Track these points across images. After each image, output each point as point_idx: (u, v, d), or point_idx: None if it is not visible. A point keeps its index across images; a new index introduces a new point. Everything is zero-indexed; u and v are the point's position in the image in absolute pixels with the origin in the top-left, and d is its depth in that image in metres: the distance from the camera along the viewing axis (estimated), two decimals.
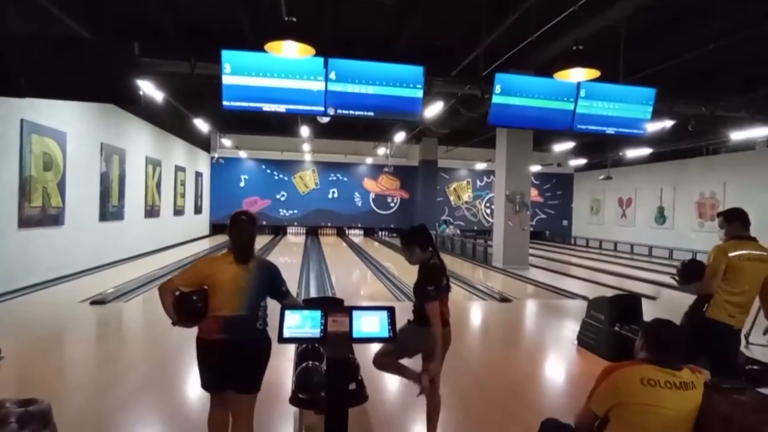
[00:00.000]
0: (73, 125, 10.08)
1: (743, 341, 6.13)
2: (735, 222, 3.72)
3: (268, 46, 5.11)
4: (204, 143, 22.05)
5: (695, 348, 3.52)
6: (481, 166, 25.10)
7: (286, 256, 16.04)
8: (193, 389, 4.46)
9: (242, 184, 24.05)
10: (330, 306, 3.21)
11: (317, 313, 2.81)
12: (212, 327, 2.72)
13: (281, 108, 6.98)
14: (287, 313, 2.79)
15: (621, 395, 2.03)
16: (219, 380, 2.78)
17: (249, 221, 2.89)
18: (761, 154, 15.88)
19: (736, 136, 13.42)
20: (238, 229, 2.84)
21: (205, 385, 2.86)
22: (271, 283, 2.90)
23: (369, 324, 2.82)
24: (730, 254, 3.59)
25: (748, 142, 15.57)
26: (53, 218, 9.41)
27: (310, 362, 3.32)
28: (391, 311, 2.87)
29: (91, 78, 5.59)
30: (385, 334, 2.80)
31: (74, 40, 5.57)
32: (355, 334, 2.77)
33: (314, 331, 2.75)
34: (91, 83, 5.62)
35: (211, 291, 2.75)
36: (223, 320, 2.71)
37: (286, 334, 2.74)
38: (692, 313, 3.76)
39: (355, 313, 2.82)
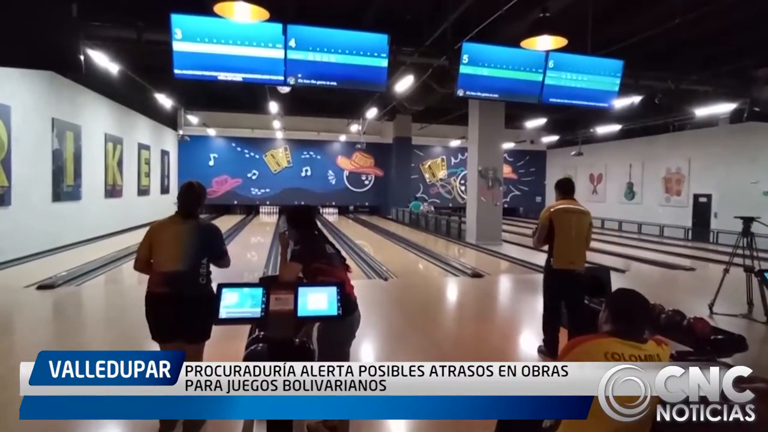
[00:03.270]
0: (18, 98, 9.45)
1: (708, 311, 6.24)
2: (557, 190, 4.78)
3: (217, 8, 4.75)
4: (170, 120, 21.26)
5: (553, 295, 4.70)
6: (455, 143, 24.95)
7: (258, 236, 15.72)
8: None
9: (211, 163, 23.44)
10: (278, 283, 2.97)
11: (258, 291, 2.56)
12: (158, 281, 2.97)
13: (238, 77, 6.58)
14: (224, 291, 2.54)
15: None
16: (166, 331, 2.98)
17: (198, 186, 3.17)
18: (723, 131, 16.20)
19: (701, 112, 13.60)
20: (187, 190, 3.13)
21: (154, 335, 3.03)
22: (210, 242, 3.10)
23: (316, 301, 2.59)
24: (552, 209, 4.61)
25: (711, 119, 15.87)
26: None
27: (259, 345, 3.09)
28: (340, 286, 2.65)
29: (22, 41, 5.08)
30: (334, 311, 2.57)
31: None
32: (301, 313, 2.54)
33: (254, 311, 2.52)
34: (23, 47, 5.11)
35: (156, 248, 3.01)
36: (166, 275, 2.95)
37: (223, 314, 2.50)
38: (545, 269, 4.76)
39: (300, 290, 2.59)
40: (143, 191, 17.62)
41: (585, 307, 5.26)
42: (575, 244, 4.56)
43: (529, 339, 5.40)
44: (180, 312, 2.92)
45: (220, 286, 2.58)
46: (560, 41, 5.46)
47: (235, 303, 2.53)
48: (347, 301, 2.77)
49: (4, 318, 6.08)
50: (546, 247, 4.74)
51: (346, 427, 2.94)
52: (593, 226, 4.81)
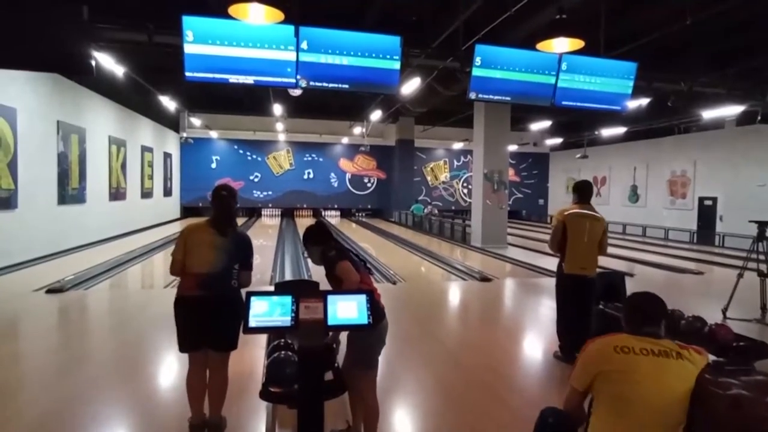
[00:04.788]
0: (23, 101, 9.39)
1: (722, 315, 6.18)
2: (575, 193, 4.78)
3: (232, 9, 4.69)
4: (172, 123, 21.20)
5: (566, 300, 4.66)
6: (458, 145, 24.90)
7: (261, 239, 15.61)
8: (159, 377, 4.13)
9: (214, 166, 23.35)
10: (303, 290, 2.90)
11: (287, 299, 2.51)
12: (190, 283, 2.94)
13: (249, 79, 6.53)
14: (253, 299, 2.49)
15: (598, 364, 1.95)
16: (196, 337, 2.97)
17: (229, 195, 3.10)
18: (730, 133, 16.11)
19: (708, 114, 13.43)
20: (218, 204, 3.07)
21: (183, 344, 3.00)
22: (243, 252, 3.10)
23: (346, 310, 2.54)
24: (566, 213, 4.60)
25: (718, 121, 15.76)
26: (4, 201, 8.79)
27: (282, 353, 3.03)
28: (369, 295, 2.59)
29: (33, 44, 5.01)
30: (364, 320, 2.52)
31: (13, 1, 4.98)
32: (331, 321, 2.49)
33: (284, 319, 2.46)
34: (34, 50, 5.03)
35: (189, 250, 2.97)
36: (199, 277, 2.92)
37: (253, 323, 2.44)
38: (557, 274, 4.76)
39: (330, 298, 2.54)
40: (146, 194, 17.55)
41: (600, 313, 5.21)
42: (587, 250, 4.56)
43: (543, 343, 5.34)
44: (210, 315, 2.90)
45: (249, 295, 2.52)
46: (577, 43, 5.40)
47: (265, 312, 2.47)
48: (376, 309, 2.71)
49: (18, 323, 6.03)
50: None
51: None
52: (608, 232, 4.78)
